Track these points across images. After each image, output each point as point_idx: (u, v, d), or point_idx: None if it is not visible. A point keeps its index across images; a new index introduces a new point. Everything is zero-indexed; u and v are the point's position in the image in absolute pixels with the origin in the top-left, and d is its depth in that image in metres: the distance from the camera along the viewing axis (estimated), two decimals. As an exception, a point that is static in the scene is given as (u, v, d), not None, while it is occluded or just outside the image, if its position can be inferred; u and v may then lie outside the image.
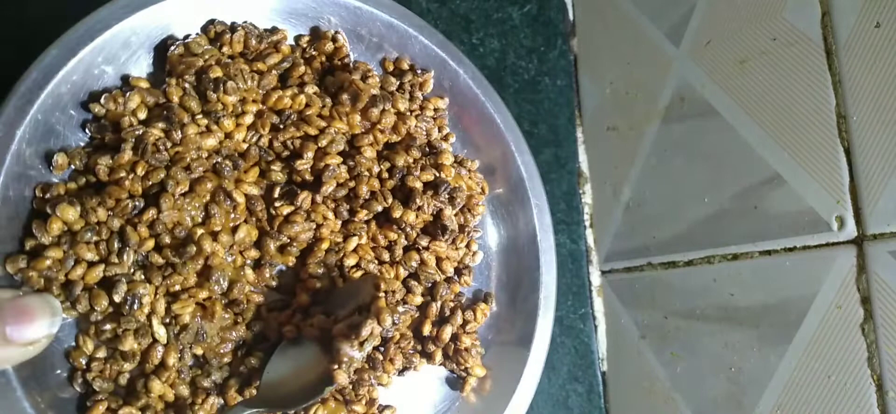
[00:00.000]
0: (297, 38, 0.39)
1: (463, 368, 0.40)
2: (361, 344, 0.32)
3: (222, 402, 0.33)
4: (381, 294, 0.34)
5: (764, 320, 0.47)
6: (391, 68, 0.41)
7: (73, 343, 0.31)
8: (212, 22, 0.35)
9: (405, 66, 0.41)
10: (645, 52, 0.57)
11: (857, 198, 0.43)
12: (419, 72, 0.41)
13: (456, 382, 0.42)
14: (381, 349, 0.37)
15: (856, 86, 0.44)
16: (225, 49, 0.35)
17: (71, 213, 0.29)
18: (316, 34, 0.39)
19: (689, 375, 0.52)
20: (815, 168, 0.45)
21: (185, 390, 0.32)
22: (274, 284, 0.36)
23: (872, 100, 0.43)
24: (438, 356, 0.39)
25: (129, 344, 0.30)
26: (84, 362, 0.31)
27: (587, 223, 0.61)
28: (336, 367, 0.32)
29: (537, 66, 0.59)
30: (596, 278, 0.60)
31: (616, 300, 0.59)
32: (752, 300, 0.48)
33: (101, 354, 0.31)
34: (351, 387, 0.35)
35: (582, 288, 0.58)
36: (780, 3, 0.48)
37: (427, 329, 0.39)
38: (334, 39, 0.38)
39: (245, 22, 0.36)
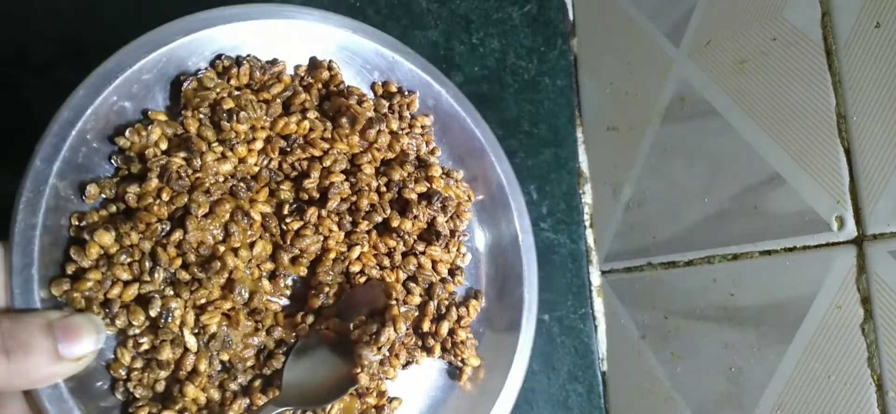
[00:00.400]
0: (296, 67, 0.45)
1: (459, 359, 0.47)
2: (380, 349, 0.40)
3: (249, 402, 0.39)
4: (393, 302, 0.42)
5: (764, 320, 0.51)
6: (380, 91, 0.48)
7: (112, 356, 0.37)
8: (219, 57, 0.41)
9: (393, 88, 0.48)
10: (645, 52, 0.60)
11: (857, 198, 0.47)
12: (406, 93, 0.48)
13: (454, 372, 0.48)
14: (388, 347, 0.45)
15: (856, 86, 0.47)
16: (232, 81, 0.41)
17: (107, 238, 0.36)
18: (313, 63, 0.45)
19: (689, 375, 0.55)
20: (815, 168, 0.48)
21: (215, 394, 0.38)
22: (288, 292, 0.43)
23: (872, 100, 0.46)
24: (437, 350, 0.46)
25: (167, 354, 0.37)
26: (124, 373, 0.36)
27: (587, 223, 0.65)
28: (359, 370, 0.40)
29: (537, 66, 0.62)
30: (596, 278, 0.64)
31: (616, 300, 0.62)
32: (752, 300, 0.52)
33: (138, 364, 0.37)
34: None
35: (582, 288, 0.62)
36: (780, 3, 0.51)
37: (426, 326, 0.46)
38: (329, 67, 0.45)
39: (248, 55, 0.42)
